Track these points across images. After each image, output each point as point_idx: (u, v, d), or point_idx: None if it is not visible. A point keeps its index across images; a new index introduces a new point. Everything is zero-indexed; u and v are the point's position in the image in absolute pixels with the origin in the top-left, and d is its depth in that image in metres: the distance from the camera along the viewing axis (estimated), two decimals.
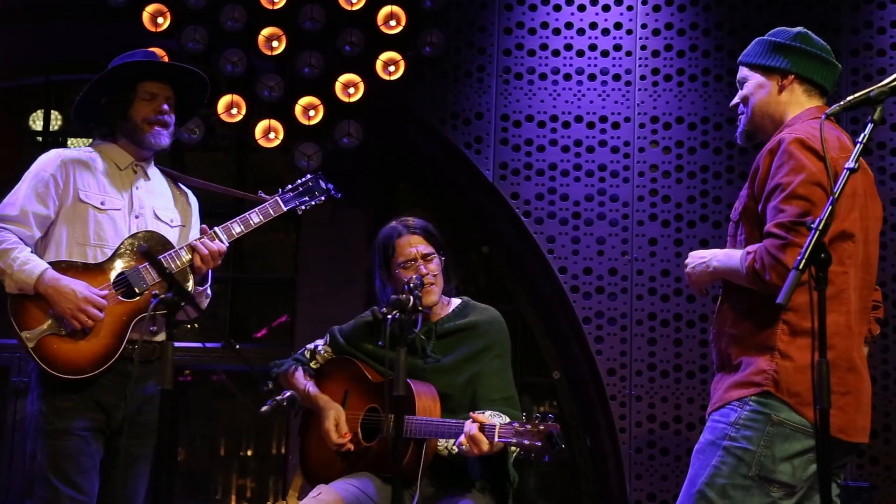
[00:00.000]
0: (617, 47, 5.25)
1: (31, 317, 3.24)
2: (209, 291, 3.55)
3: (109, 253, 3.34)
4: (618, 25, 5.28)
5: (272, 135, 5.30)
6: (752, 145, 3.06)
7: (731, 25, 5.24)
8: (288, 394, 3.27)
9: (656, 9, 5.26)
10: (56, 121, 6.16)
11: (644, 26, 5.26)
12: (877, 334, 2.98)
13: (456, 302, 3.64)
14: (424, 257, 3.51)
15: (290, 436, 5.61)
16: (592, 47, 5.26)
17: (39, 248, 3.35)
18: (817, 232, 2.33)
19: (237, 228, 3.46)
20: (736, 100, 3.01)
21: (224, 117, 5.29)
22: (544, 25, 5.31)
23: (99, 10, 5.38)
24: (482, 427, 3.12)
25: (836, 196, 2.38)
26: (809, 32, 2.96)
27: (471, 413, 3.21)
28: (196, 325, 3.58)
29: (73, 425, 3.25)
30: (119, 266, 3.33)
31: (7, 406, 5.66)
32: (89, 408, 3.27)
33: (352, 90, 5.23)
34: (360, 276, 5.61)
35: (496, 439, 3.09)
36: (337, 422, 3.49)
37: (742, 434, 2.65)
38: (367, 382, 3.55)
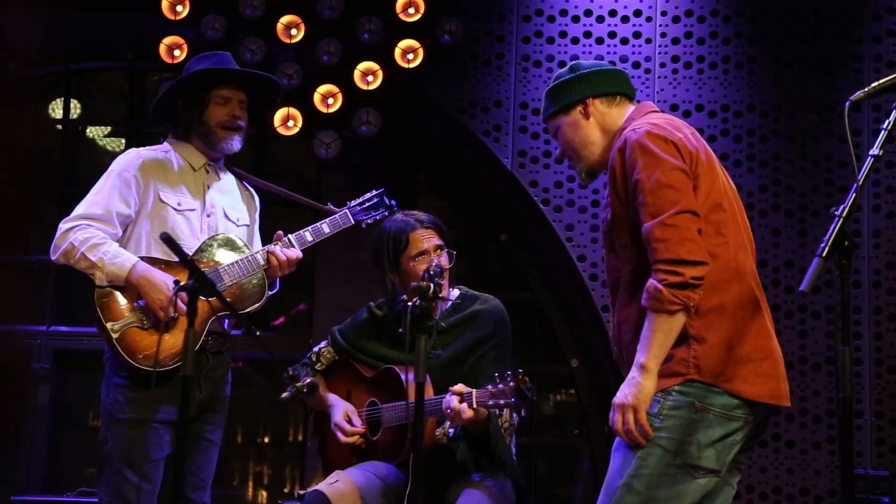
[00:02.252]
0: (636, 34, 5.23)
1: (117, 308, 3.33)
2: (270, 291, 3.62)
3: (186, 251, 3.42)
4: (637, 13, 5.25)
5: (291, 122, 5.30)
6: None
7: (751, 12, 5.20)
8: (308, 380, 3.29)
9: None
10: (75, 109, 6.17)
11: (664, 13, 5.24)
12: None
13: (454, 293, 3.66)
14: (438, 251, 3.53)
15: (307, 423, 5.63)
16: (612, 34, 5.24)
17: (121, 245, 3.45)
18: (841, 219, 2.32)
19: (309, 237, 3.57)
20: (560, 150, 3.03)
21: None
22: (563, 13, 5.29)
23: None
24: (461, 397, 3.22)
25: (859, 183, 2.36)
26: (579, 62, 3.01)
27: (450, 388, 3.27)
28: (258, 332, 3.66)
29: (148, 416, 3.35)
30: (197, 265, 3.38)
31: (27, 392, 5.70)
32: (166, 399, 3.34)
33: (370, 78, 5.22)
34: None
35: (475, 405, 3.20)
36: (347, 415, 3.55)
37: (665, 424, 2.64)
38: (364, 379, 3.61)
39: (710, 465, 2.67)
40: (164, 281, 3.31)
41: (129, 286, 3.32)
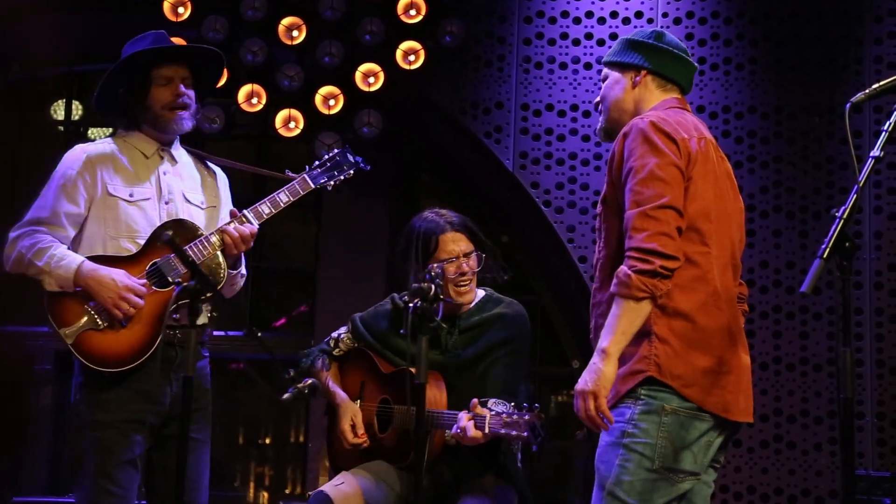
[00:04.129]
0: None
1: (68, 313, 3.25)
2: (244, 272, 3.52)
3: (142, 244, 3.32)
4: (638, 14, 5.26)
5: (292, 124, 5.31)
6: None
7: (752, 14, 5.21)
8: (309, 381, 3.28)
9: None
10: (77, 111, 6.19)
11: (665, 15, 5.24)
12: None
13: (480, 294, 3.64)
14: (467, 255, 3.51)
15: (308, 424, 5.63)
16: (613, 36, 5.24)
17: (74, 245, 3.34)
18: (842, 221, 2.32)
19: (266, 209, 3.40)
20: (597, 98, 3.04)
21: (244, 107, 5.31)
22: (564, 14, 5.29)
23: (120, 0, 5.40)
24: (474, 419, 3.18)
25: (860, 184, 2.36)
26: (665, 32, 3.00)
27: (472, 401, 3.24)
28: (215, 314, 3.56)
29: (114, 417, 3.24)
30: (151, 256, 3.31)
31: (30, 394, 5.70)
32: (132, 399, 3.26)
33: (372, 80, 5.23)
34: (379, 266, 5.62)
35: (487, 430, 3.15)
36: (353, 422, 3.53)
37: (640, 429, 2.64)
38: (379, 374, 3.58)
39: (689, 467, 2.67)
40: (112, 277, 3.20)
41: (76, 291, 3.23)
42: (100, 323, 3.24)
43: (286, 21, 5.27)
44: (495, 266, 3.62)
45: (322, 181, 3.53)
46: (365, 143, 5.26)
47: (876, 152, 2.40)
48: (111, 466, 3.23)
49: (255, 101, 5.30)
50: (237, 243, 3.32)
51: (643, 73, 2.92)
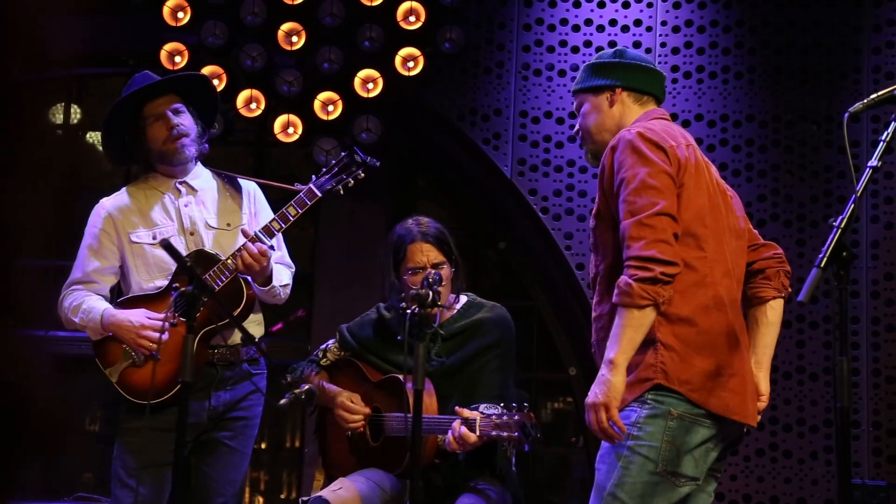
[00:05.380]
0: (636, 44, 5.25)
1: (109, 355, 3.45)
2: (283, 282, 3.60)
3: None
4: (637, 22, 5.27)
5: (291, 129, 5.31)
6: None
7: (751, 22, 5.22)
8: (306, 387, 3.29)
9: (676, 6, 5.24)
10: (76, 114, 6.19)
11: (664, 23, 5.25)
12: (790, 291, 2.98)
13: (462, 300, 3.64)
14: (435, 266, 3.49)
15: (304, 429, 5.63)
16: (612, 44, 5.25)
17: (124, 293, 3.55)
18: (839, 230, 2.32)
19: (276, 226, 3.46)
20: (577, 127, 3.06)
21: (243, 112, 5.31)
22: (563, 22, 5.30)
23: (120, 4, 5.40)
24: (466, 422, 3.19)
25: (858, 193, 2.37)
26: (625, 48, 3.05)
27: (456, 408, 3.25)
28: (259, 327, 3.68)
29: (145, 424, 3.34)
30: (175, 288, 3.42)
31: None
32: (167, 413, 3.35)
33: (371, 86, 5.24)
34: (377, 271, 5.61)
35: (478, 432, 3.16)
36: (351, 398, 3.53)
37: (645, 431, 2.65)
38: (368, 382, 3.59)
39: (690, 472, 2.68)
40: (129, 319, 3.38)
41: (110, 333, 3.43)
42: (137, 360, 3.41)
43: (285, 27, 5.27)
44: (457, 283, 3.60)
45: (329, 187, 3.54)
46: (363, 148, 5.25)
47: (874, 162, 2.42)
48: (140, 468, 3.37)
49: (253, 106, 5.30)
50: (249, 264, 3.39)
51: (617, 90, 2.95)
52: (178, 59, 5.26)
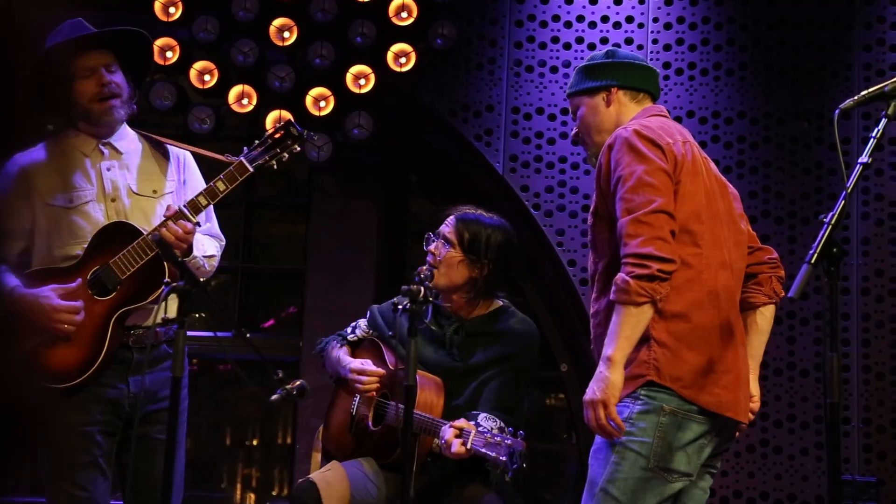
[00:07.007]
0: (628, 41, 5.25)
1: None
2: (202, 262, 3.32)
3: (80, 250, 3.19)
4: (629, 19, 5.27)
5: None
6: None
7: (743, 20, 5.22)
8: (298, 382, 3.28)
9: (668, 2, 5.25)
10: None
11: (656, 20, 5.25)
12: (782, 295, 2.95)
13: (497, 304, 3.64)
14: (444, 238, 3.53)
15: (296, 425, 5.63)
16: (604, 41, 5.25)
17: (29, 260, 3.23)
18: (829, 227, 2.33)
19: (204, 201, 3.21)
20: (575, 129, 3.07)
21: (235, 107, 5.29)
22: (556, 18, 5.30)
23: None
24: (459, 432, 3.18)
25: (848, 190, 2.38)
26: (615, 48, 3.08)
27: (450, 424, 3.24)
28: (203, 315, 3.53)
29: (69, 421, 3.15)
30: (93, 263, 3.18)
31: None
32: (87, 403, 3.18)
33: (362, 81, 5.23)
34: (369, 268, 5.62)
35: (468, 446, 3.15)
36: (363, 363, 3.54)
37: (637, 427, 2.66)
38: (385, 367, 3.59)
39: (683, 467, 2.69)
40: (40, 303, 3.09)
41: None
42: (45, 339, 3.12)
43: (277, 22, 5.26)
44: (491, 285, 3.59)
45: (262, 161, 3.30)
46: (355, 144, 5.26)
47: (864, 159, 2.42)
48: (73, 470, 3.16)
49: (245, 101, 5.29)
50: (176, 243, 3.12)
51: (613, 90, 2.96)
52: (169, 54, 5.25)
